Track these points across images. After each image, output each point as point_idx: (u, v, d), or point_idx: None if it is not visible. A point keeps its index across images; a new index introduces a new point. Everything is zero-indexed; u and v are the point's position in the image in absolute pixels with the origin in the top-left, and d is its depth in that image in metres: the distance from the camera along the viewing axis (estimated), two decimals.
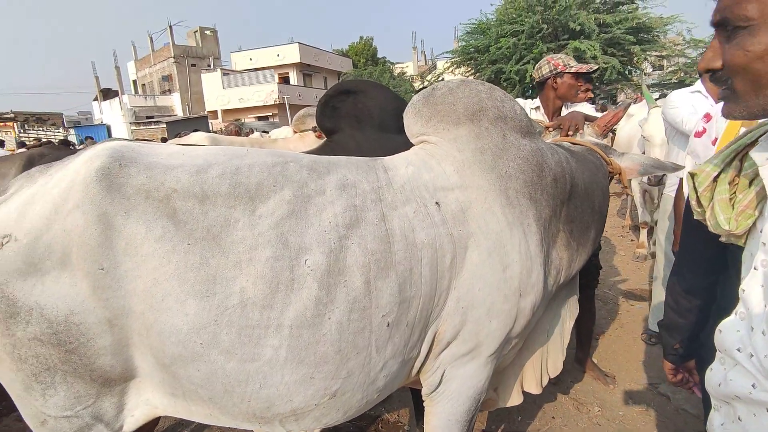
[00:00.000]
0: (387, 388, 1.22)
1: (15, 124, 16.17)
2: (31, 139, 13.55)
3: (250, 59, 28.74)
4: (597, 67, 2.53)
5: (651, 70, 18.48)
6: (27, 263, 0.96)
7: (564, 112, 2.35)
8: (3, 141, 9.92)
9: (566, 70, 2.25)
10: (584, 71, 2.28)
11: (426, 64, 26.03)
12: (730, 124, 1.45)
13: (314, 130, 3.94)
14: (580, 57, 14.88)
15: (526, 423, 2.20)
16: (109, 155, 1.03)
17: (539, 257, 1.28)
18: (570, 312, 1.64)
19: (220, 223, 1.02)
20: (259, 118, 25.81)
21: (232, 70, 28.13)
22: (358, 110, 1.74)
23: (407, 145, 1.41)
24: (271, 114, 25.38)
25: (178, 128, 17.87)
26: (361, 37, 32.35)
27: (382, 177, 1.23)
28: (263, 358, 1.03)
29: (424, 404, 1.39)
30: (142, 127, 23.57)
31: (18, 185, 1.11)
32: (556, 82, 2.31)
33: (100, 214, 0.97)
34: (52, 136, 14.50)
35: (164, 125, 22.23)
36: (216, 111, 26.24)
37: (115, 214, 0.98)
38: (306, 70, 28.70)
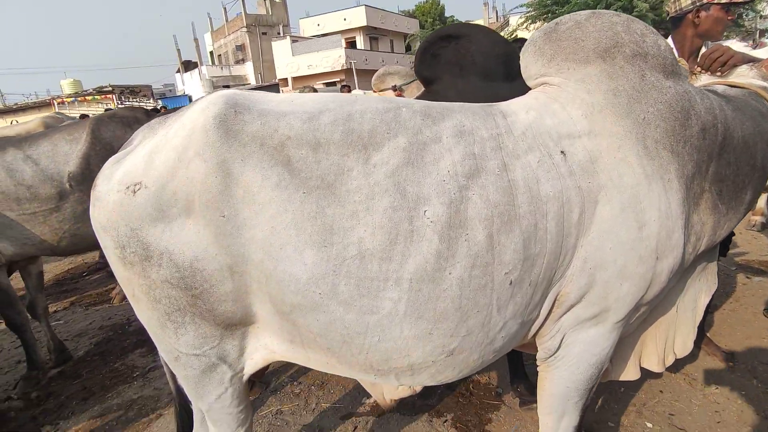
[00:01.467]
0: (503, 350, 1.16)
1: (114, 96, 17.76)
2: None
3: (318, 25, 28.76)
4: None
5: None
6: (157, 209, 1.00)
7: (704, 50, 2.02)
8: (87, 115, 10.89)
9: (713, 1, 1.90)
10: (738, 0, 1.91)
11: (497, 21, 24.44)
12: None
13: (394, 89, 3.85)
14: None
15: (629, 395, 2.05)
16: (224, 102, 1.03)
17: (680, 218, 1.12)
18: (707, 286, 1.45)
19: (334, 172, 0.99)
20: (327, 84, 26.02)
21: (301, 37, 28.38)
22: (461, 57, 1.61)
23: (515, 93, 1.28)
24: (338, 80, 25.42)
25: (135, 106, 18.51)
26: None
27: (501, 123, 1.12)
28: (382, 311, 1.01)
29: (538, 369, 1.31)
30: None
31: (141, 136, 1.16)
32: (698, 16, 1.94)
33: (219, 161, 0.98)
34: (145, 106, 15.85)
35: None
36: (286, 78, 26.80)
37: (233, 162, 0.98)
38: (372, 33, 28.21)
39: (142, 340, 3.10)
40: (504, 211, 1.02)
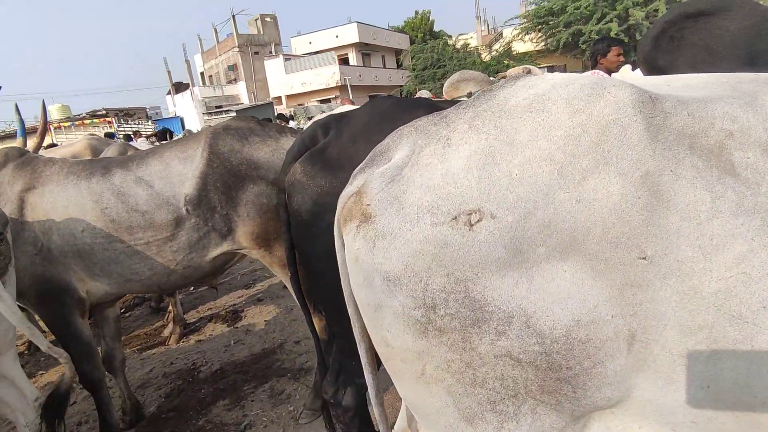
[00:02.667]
0: None
1: (114, 119, 17.36)
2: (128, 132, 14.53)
3: (310, 43, 28.82)
4: None
5: None
6: (511, 250, 0.70)
7: None
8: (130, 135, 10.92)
9: None
10: None
11: (489, 33, 24.80)
12: None
13: (470, 96, 3.68)
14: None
15: None
16: (629, 86, 0.73)
17: None
18: None
19: None
20: (322, 101, 25.98)
21: (293, 55, 28.39)
22: (715, 37, 1.40)
23: None
24: (333, 96, 25.42)
25: (246, 115, 18.36)
26: (417, 12, 31.42)
27: None
28: None
29: None
30: (214, 117, 24.51)
31: (410, 141, 0.85)
32: None
33: (643, 173, 0.68)
34: (143, 128, 15.50)
35: (234, 113, 22.98)
36: (280, 97, 26.70)
37: (662, 173, 0.68)
38: (365, 49, 28.36)
39: (220, 390, 2.81)
40: None
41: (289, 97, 26.83)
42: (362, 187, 0.86)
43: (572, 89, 0.75)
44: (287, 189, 1.57)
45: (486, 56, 20.08)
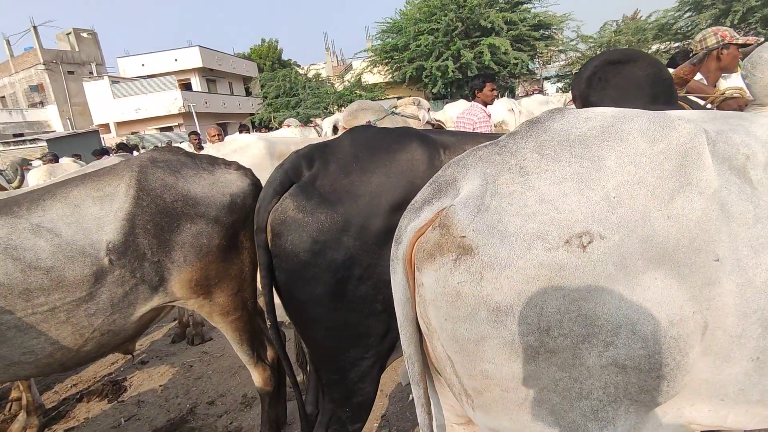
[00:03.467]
0: None
1: None
2: None
3: (143, 65, 25.90)
4: (763, 40, 2.68)
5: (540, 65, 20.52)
6: (618, 266, 0.76)
7: (722, 83, 2.57)
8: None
9: (733, 41, 2.46)
10: (752, 44, 2.50)
11: (339, 64, 25.92)
12: None
13: (368, 125, 3.77)
14: (494, 53, 16.14)
15: None
16: (689, 119, 0.89)
17: None
18: None
19: None
20: (162, 129, 23.55)
21: (122, 78, 25.15)
22: (628, 81, 1.73)
23: None
24: (176, 124, 23.29)
25: (62, 146, 15.58)
26: (263, 40, 31.06)
27: None
28: None
29: None
30: (12, 147, 19.97)
31: (478, 170, 0.89)
32: (722, 53, 2.51)
33: (714, 190, 0.82)
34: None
35: (44, 143, 19.11)
36: (108, 124, 23.31)
37: (722, 190, 0.83)
38: (209, 75, 26.75)
39: None
40: None
41: (119, 124, 23.61)
42: (444, 219, 0.86)
43: (641, 122, 0.87)
44: (275, 228, 1.38)
45: (339, 86, 20.88)
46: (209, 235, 1.78)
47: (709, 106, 2.14)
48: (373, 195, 1.33)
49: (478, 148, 0.96)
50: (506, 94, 16.28)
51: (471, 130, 3.82)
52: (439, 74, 16.87)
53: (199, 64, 25.28)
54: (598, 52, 17.57)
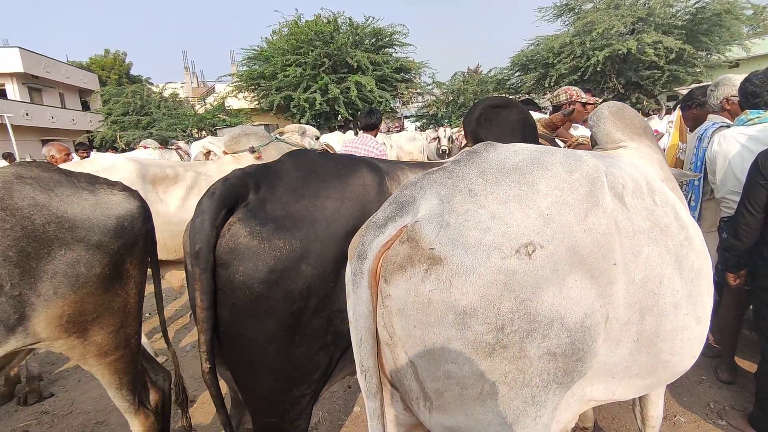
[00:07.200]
0: None
1: None
2: None
3: None
4: (600, 100, 3.08)
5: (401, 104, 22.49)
6: (552, 271, 0.93)
7: (573, 132, 3.13)
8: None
9: (579, 100, 3.02)
10: (592, 102, 3.07)
11: (199, 86, 24.34)
12: None
13: (251, 150, 3.67)
14: (360, 89, 17.08)
15: None
16: (591, 156, 1.15)
17: None
18: None
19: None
20: None
21: None
22: (505, 123, 2.06)
23: None
24: None
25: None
26: (107, 50, 27.57)
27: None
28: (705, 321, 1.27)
29: None
30: None
31: (433, 192, 1.02)
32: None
33: (611, 210, 1.06)
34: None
35: None
36: None
37: (614, 210, 1.08)
38: (33, 83, 22.51)
39: None
40: None
41: None
42: (412, 233, 0.95)
43: (559, 156, 1.10)
44: (220, 257, 1.23)
45: (200, 109, 19.61)
46: (88, 264, 1.56)
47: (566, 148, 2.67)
48: (329, 221, 1.28)
49: (430, 173, 1.08)
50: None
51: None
52: (307, 105, 17.12)
53: (19, 69, 21.14)
54: (450, 98, 20.14)
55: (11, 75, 21.52)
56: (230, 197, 1.26)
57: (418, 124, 22.06)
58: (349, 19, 17.93)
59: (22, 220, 1.41)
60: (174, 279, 3.62)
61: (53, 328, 1.52)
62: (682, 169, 3.08)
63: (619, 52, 15.13)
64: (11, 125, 18.79)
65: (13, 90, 21.79)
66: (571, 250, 0.96)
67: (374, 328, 1.00)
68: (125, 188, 1.78)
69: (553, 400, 1.00)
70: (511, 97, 17.64)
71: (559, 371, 0.97)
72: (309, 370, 1.33)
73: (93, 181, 1.71)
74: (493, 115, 2.09)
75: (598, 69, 15.61)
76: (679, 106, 3.64)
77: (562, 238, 0.96)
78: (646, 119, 1.99)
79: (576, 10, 17.57)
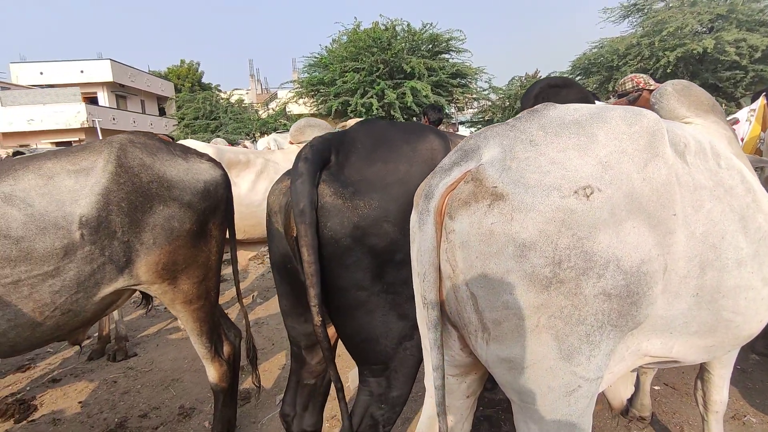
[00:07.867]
0: None
1: None
2: None
3: (41, 73, 23.42)
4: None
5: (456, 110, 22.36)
6: (610, 213, 0.97)
7: None
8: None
9: (646, 87, 2.97)
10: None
11: (263, 92, 25.69)
12: None
13: None
14: (415, 95, 17.25)
15: None
16: (648, 113, 1.16)
17: None
18: None
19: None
20: (59, 144, 21.25)
21: (14, 84, 22.51)
22: (564, 101, 2.10)
23: None
24: (77, 139, 21.18)
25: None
26: (183, 61, 29.92)
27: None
28: None
29: None
30: None
31: (496, 142, 1.08)
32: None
33: (672, 162, 1.09)
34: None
35: None
36: None
37: (675, 163, 1.10)
38: (120, 91, 24.92)
39: None
40: None
41: (5, 135, 20.92)
42: (476, 174, 1.05)
43: (619, 111, 1.13)
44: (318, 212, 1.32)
45: (263, 113, 20.69)
46: (181, 220, 1.80)
47: None
48: (402, 183, 1.36)
49: (493, 126, 1.16)
50: None
51: None
52: (364, 110, 17.51)
53: (109, 78, 23.51)
54: (507, 103, 19.79)
55: (103, 84, 23.94)
56: (321, 160, 1.38)
57: (472, 129, 21.87)
58: (408, 24, 18.20)
59: (133, 177, 1.67)
60: (240, 258, 3.92)
61: (151, 273, 1.77)
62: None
63: (694, 52, 14.16)
64: (101, 129, 20.85)
65: (103, 97, 24.20)
66: (629, 197, 1.00)
67: (437, 263, 1.07)
68: (211, 159, 2.02)
69: (608, 343, 1.02)
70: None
71: (614, 312, 0.99)
72: (402, 315, 1.40)
73: (186, 151, 1.96)
74: (552, 94, 2.12)
75: (669, 71, 14.68)
76: (764, 93, 3.40)
77: (620, 184, 0.99)
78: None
79: (645, 10, 16.69)
